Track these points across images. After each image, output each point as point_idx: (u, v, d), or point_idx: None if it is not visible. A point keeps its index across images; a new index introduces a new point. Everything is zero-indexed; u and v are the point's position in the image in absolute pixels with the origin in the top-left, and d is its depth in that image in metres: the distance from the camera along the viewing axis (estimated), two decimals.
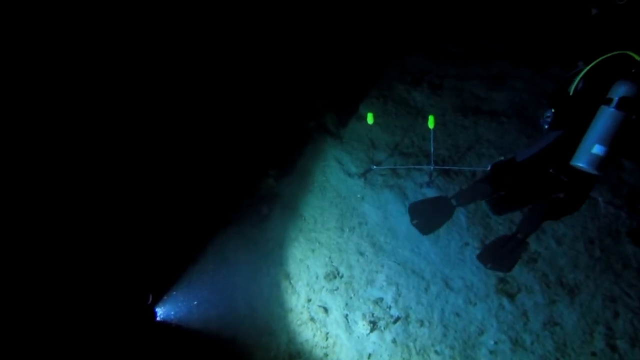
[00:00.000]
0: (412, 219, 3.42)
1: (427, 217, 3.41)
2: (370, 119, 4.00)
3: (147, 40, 3.73)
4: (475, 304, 3.38)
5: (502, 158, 3.19)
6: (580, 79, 2.49)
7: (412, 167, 4.19)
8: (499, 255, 3.11)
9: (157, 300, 3.60)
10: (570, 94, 2.54)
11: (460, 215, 3.85)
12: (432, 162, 4.10)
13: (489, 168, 4.08)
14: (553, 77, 4.85)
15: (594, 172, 2.34)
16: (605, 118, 2.31)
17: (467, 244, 3.69)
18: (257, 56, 4.82)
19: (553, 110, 2.75)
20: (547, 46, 5.12)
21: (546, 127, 2.78)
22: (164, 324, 3.52)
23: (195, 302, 3.59)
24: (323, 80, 5.16)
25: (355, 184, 4.24)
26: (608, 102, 2.31)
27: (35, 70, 2.97)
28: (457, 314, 3.35)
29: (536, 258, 3.50)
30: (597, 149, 2.30)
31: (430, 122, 3.82)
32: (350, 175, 4.31)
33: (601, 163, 2.32)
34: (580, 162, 2.37)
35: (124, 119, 3.54)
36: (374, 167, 4.28)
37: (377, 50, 5.64)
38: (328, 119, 4.86)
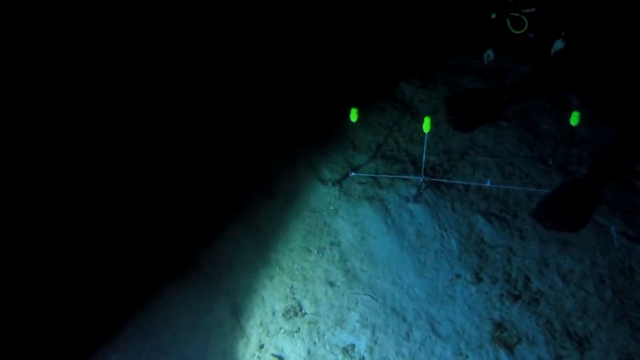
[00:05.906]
0: (448, 114, 2.52)
1: (467, 112, 2.51)
2: (353, 115, 3.20)
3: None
4: (466, 356, 2.75)
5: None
6: None
7: (399, 176, 3.46)
8: (563, 210, 2.22)
9: None
10: None
11: (451, 240, 3.21)
12: (422, 172, 3.40)
13: (488, 184, 3.48)
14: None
15: None
16: None
17: (458, 276, 3.05)
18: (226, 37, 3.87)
19: None
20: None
21: None
22: None
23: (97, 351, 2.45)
24: (297, 65, 4.26)
25: (329, 194, 3.47)
26: None
27: (34, 70, 2.79)
28: None
29: (539, 299, 2.92)
30: None
31: (426, 126, 3.08)
32: (323, 182, 3.52)
33: None
34: None
35: None
36: (352, 173, 3.51)
37: (363, 39, 4.79)
38: (300, 111, 4.00)
